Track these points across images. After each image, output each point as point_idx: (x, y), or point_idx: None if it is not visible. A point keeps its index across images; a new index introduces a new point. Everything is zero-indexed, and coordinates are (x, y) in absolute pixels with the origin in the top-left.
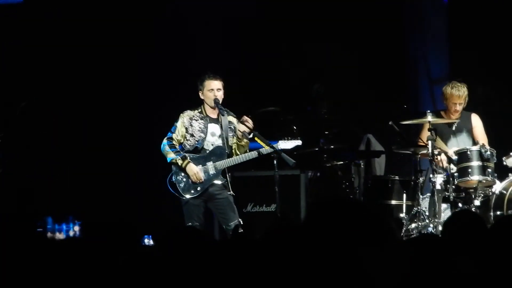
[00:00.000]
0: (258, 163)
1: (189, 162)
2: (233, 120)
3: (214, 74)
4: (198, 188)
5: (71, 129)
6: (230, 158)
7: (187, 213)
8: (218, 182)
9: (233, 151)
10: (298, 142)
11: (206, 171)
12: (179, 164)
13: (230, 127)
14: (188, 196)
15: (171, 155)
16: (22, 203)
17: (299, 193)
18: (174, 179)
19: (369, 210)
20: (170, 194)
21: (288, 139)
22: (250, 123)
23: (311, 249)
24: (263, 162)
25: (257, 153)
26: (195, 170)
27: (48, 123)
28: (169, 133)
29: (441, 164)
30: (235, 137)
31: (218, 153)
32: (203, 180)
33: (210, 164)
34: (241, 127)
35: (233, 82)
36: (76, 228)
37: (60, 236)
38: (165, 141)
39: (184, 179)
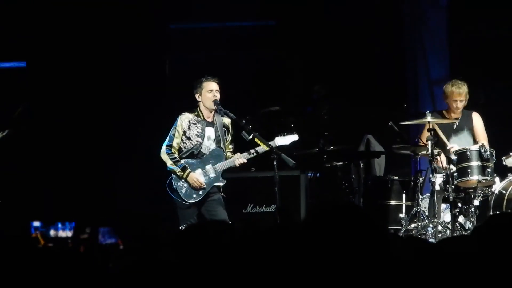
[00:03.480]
0: (258, 164)
1: (189, 172)
2: (228, 122)
3: (212, 76)
4: (200, 192)
5: (66, 131)
6: (229, 160)
7: (182, 215)
8: (220, 184)
9: (227, 154)
10: (295, 137)
11: (206, 175)
12: (180, 175)
13: (223, 129)
14: (191, 201)
15: (170, 165)
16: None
17: (299, 194)
18: (175, 186)
19: (366, 217)
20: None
21: (284, 135)
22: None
23: (308, 253)
24: (263, 163)
25: (255, 152)
26: (195, 179)
27: (45, 126)
28: (168, 139)
29: (440, 165)
30: (227, 139)
31: (216, 156)
32: (204, 186)
33: (209, 167)
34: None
35: (236, 82)
36: (69, 233)
37: (63, 234)
38: (164, 148)
39: (185, 185)
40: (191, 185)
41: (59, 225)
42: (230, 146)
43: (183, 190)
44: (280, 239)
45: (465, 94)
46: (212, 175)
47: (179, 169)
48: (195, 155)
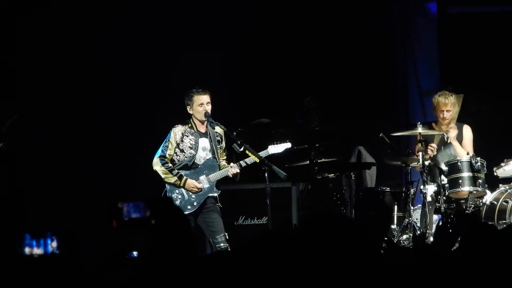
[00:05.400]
0: (249, 176)
1: (186, 179)
2: (220, 131)
3: (202, 89)
4: (195, 203)
5: (55, 143)
6: (222, 170)
7: None
8: (214, 194)
9: (221, 163)
10: (288, 145)
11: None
12: (177, 184)
13: (217, 139)
14: (186, 212)
15: (165, 174)
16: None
17: (290, 206)
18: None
19: (354, 226)
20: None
21: (277, 143)
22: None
23: (300, 263)
24: (254, 175)
25: (244, 163)
26: (192, 185)
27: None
28: (161, 150)
29: (430, 152)
30: (221, 148)
31: (209, 166)
32: (204, 188)
33: (203, 178)
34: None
35: (226, 94)
36: (54, 244)
37: (38, 251)
38: (157, 159)
39: (180, 196)
40: (190, 191)
41: (34, 242)
42: (224, 154)
43: (177, 202)
44: (273, 247)
45: (452, 104)
46: (206, 185)
47: (176, 178)
48: (189, 167)
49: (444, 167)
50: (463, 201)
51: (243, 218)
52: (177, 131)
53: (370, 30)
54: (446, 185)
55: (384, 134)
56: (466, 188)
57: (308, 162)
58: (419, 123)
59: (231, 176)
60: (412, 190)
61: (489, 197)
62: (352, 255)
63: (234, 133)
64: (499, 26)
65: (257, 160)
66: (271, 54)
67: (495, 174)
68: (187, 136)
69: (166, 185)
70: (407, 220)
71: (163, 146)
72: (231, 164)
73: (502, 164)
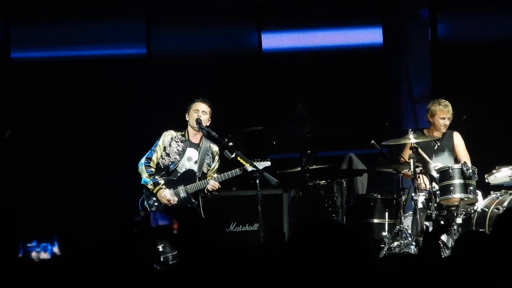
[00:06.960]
0: (241, 183)
1: (160, 188)
2: (216, 150)
3: (204, 98)
4: None
5: (53, 152)
6: (201, 181)
7: None
8: (189, 205)
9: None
10: (267, 163)
11: (177, 194)
12: (151, 189)
13: (208, 154)
14: None
15: (145, 177)
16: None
17: (281, 212)
18: (146, 203)
19: (350, 234)
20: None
21: (257, 161)
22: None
23: (292, 272)
24: (245, 182)
25: (238, 171)
26: (166, 198)
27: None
28: (149, 152)
29: (423, 186)
30: (210, 165)
31: (187, 176)
32: (173, 202)
33: (181, 188)
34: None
35: (218, 100)
36: (56, 248)
37: (45, 255)
38: (143, 160)
39: (156, 203)
40: (160, 200)
41: (41, 247)
42: (215, 176)
43: (153, 209)
44: (266, 257)
45: (450, 111)
46: (183, 195)
47: (151, 183)
48: (170, 172)
49: (435, 174)
50: (454, 208)
51: (234, 224)
52: (167, 135)
53: (362, 36)
54: (437, 192)
55: (375, 141)
56: (457, 195)
57: (299, 168)
58: (410, 130)
59: (209, 190)
60: (403, 197)
61: (480, 204)
62: (348, 262)
63: (226, 139)
64: (492, 31)
65: (248, 166)
66: (264, 60)
67: (486, 181)
68: (176, 142)
69: (144, 190)
70: (398, 227)
71: (151, 149)
72: (214, 176)
73: (493, 171)
